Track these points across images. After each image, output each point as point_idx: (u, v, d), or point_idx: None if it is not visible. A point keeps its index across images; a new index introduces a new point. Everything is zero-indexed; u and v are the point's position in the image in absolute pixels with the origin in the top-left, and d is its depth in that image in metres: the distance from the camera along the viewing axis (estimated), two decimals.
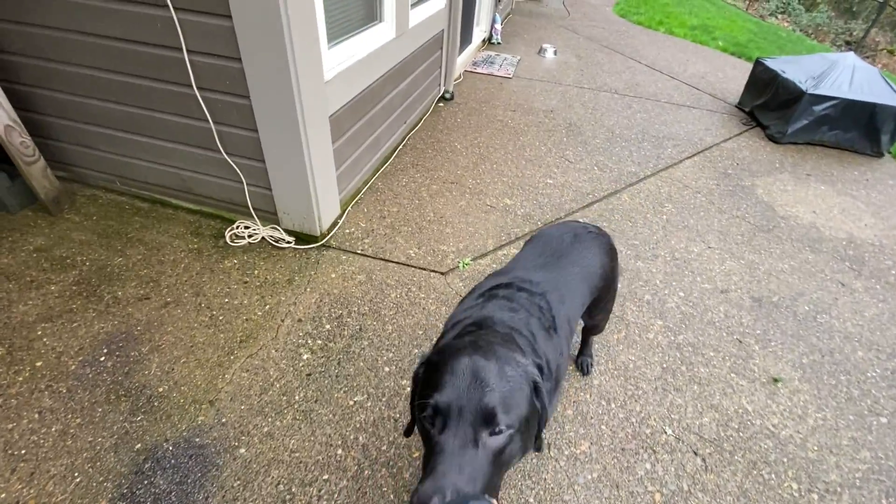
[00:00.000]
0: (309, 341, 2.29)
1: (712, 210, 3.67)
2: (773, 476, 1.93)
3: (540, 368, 1.15)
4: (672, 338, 2.51)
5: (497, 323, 1.27)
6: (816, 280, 3.07)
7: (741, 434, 2.08)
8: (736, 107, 5.72)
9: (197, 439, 1.84)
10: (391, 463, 1.84)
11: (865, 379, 2.42)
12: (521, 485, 1.82)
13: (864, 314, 2.84)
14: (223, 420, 1.92)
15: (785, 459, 1.99)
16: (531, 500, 1.77)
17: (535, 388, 1.00)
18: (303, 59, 2.24)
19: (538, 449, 1.09)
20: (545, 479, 1.84)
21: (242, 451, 1.82)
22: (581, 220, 2.08)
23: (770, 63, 5.20)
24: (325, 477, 1.77)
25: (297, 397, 2.04)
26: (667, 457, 1.95)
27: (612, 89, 5.84)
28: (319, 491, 1.73)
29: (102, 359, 2.11)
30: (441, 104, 4.93)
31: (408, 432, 1.23)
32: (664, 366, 2.35)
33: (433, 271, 2.78)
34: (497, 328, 1.25)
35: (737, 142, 4.87)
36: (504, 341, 1.12)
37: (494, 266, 2.86)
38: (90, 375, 2.03)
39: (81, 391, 1.97)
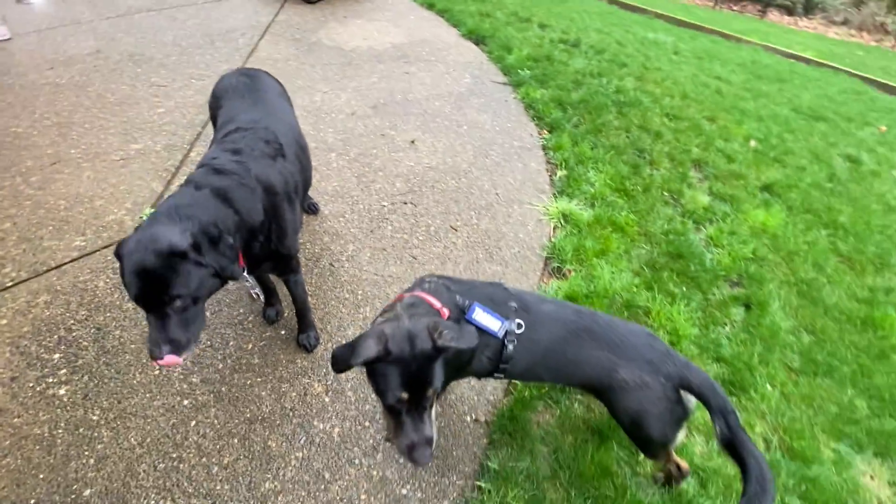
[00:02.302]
0: (51, 379, 1.90)
1: (305, 67, 4.32)
2: (445, 187, 3.03)
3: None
4: (346, 156, 3.22)
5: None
6: (393, 78, 4.27)
7: (418, 179, 3.08)
8: None
9: None
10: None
11: (446, 114, 3.79)
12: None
13: (425, 82, 4.24)
14: None
15: (444, 177, 3.12)
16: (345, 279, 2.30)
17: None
18: None
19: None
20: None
21: None
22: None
23: None
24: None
25: (94, 417, 1.79)
26: (396, 215, 2.77)
27: (144, 8, 5.32)
28: None
29: None
30: None
31: None
32: (356, 174, 3.06)
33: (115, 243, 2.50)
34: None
35: (285, 13, 5.48)
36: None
37: None
38: None
39: None
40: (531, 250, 2.70)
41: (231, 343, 2.09)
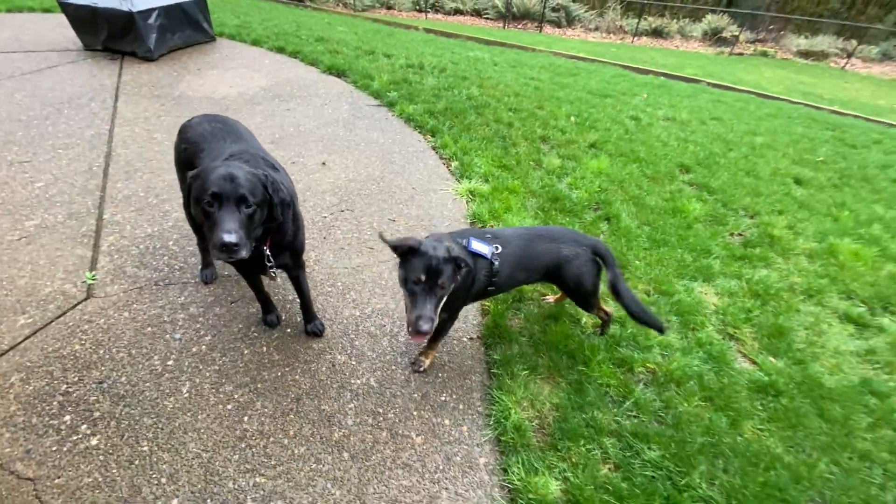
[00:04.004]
0: (74, 437, 1.90)
1: (181, 120, 4.36)
2: (370, 192, 3.54)
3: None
4: None
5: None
6: (277, 115, 4.60)
7: (343, 191, 3.53)
8: (87, 49, 5.83)
9: None
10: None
11: (341, 136, 4.29)
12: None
13: (309, 114, 4.66)
14: None
15: (365, 185, 3.63)
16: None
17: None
18: None
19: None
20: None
21: None
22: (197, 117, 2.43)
23: (77, 0, 5.42)
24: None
25: (144, 448, 1.88)
26: (339, 222, 3.19)
27: None
28: None
29: None
30: None
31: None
32: None
33: (73, 308, 2.45)
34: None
35: (129, 73, 5.31)
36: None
37: (147, 257, 2.77)
38: None
39: None
40: (458, 221, 3.39)
41: (246, 352, 2.31)
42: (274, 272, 2.01)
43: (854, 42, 16.41)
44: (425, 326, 1.69)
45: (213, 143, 2.15)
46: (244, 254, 1.61)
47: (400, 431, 2.04)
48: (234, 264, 2.07)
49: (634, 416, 2.16)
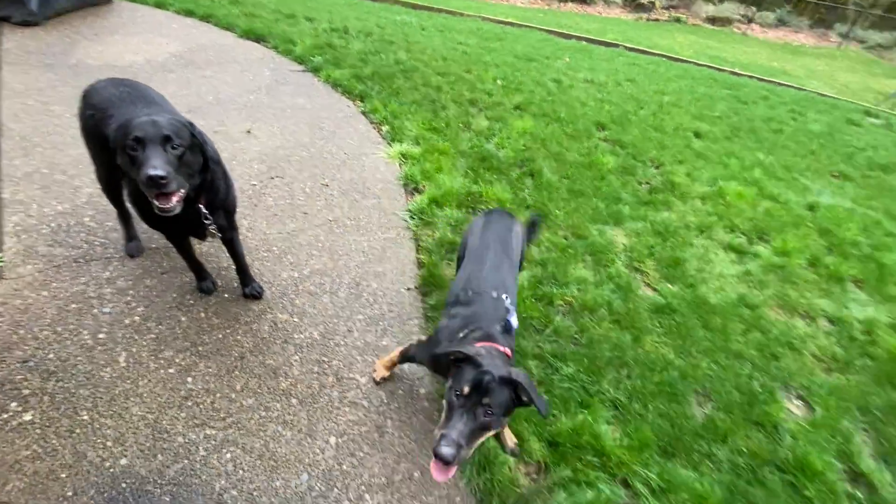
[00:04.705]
0: (4, 416, 1.86)
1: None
2: (300, 158, 3.52)
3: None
4: None
5: None
6: (193, 83, 4.35)
7: (271, 158, 3.49)
8: None
9: None
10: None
11: (265, 103, 4.17)
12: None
13: (228, 81, 4.46)
14: None
15: (295, 151, 3.60)
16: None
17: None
18: None
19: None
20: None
21: None
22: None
23: None
24: None
25: (84, 416, 1.89)
26: (270, 189, 3.17)
27: None
28: None
29: None
30: None
31: None
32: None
33: None
34: None
35: (11, 40, 4.72)
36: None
37: None
38: None
39: None
40: (391, 183, 3.49)
41: (183, 319, 2.32)
42: (213, 228, 2.01)
43: (754, 9, 17.88)
44: (446, 450, 1.26)
45: (122, 109, 2.06)
46: (174, 187, 1.62)
47: (345, 375, 2.19)
48: (167, 229, 2.06)
49: (554, 341, 2.45)
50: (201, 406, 1.98)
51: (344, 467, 1.86)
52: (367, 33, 6.36)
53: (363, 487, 1.81)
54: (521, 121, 4.60)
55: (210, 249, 2.69)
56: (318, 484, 1.80)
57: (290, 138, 3.79)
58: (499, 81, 5.58)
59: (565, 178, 3.85)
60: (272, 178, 3.32)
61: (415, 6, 10.25)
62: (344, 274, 2.70)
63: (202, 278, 2.43)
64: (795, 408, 2.40)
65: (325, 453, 1.89)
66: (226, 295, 2.48)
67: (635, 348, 2.48)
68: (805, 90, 8.63)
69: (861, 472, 2.14)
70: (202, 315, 2.35)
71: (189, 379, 2.07)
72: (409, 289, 2.68)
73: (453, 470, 1.37)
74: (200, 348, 2.20)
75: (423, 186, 3.44)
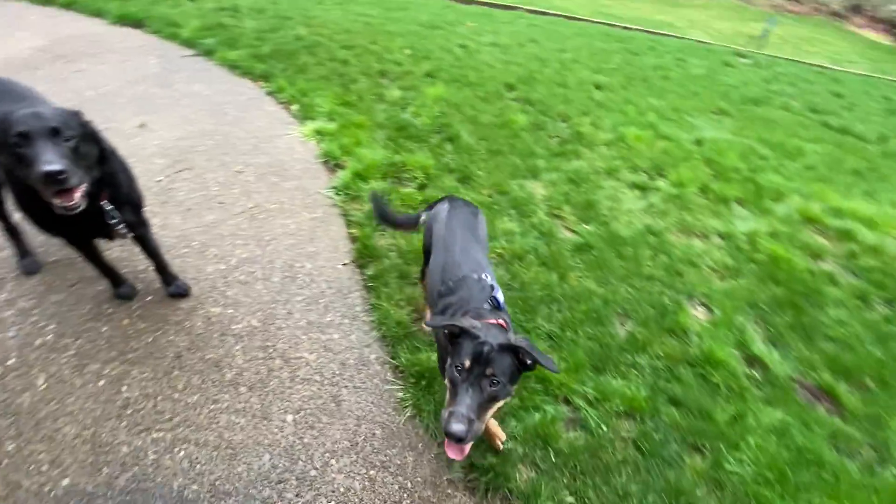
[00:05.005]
0: None
1: None
2: (206, 147, 3.31)
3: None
4: None
5: None
6: (68, 80, 3.88)
7: (175, 151, 3.25)
8: None
9: None
10: None
11: (156, 94, 3.83)
12: None
13: (107, 74, 4.02)
14: None
15: (200, 141, 3.37)
16: None
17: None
18: None
19: None
20: None
21: None
22: None
23: None
24: None
25: (10, 448, 1.74)
26: (179, 183, 2.97)
27: None
28: None
29: None
30: None
31: None
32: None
33: None
34: None
35: None
36: None
37: None
38: None
39: None
40: (310, 162, 3.41)
41: (105, 329, 2.17)
42: (122, 228, 1.88)
43: None
44: (456, 426, 1.24)
45: None
46: (75, 181, 1.51)
47: (293, 356, 2.19)
48: (69, 233, 1.89)
49: None
50: (142, 412, 1.90)
51: (305, 440, 1.90)
52: (258, 10, 5.96)
53: (327, 455, 1.86)
54: (434, 88, 4.64)
55: (122, 253, 2.50)
56: (282, 461, 1.82)
57: (192, 128, 3.54)
58: (406, 51, 5.53)
59: (483, 139, 3.99)
60: (179, 171, 3.11)
61: None
62: (275, 259, 2.65)
63: (118, 284, 2.28)
64: (699, 313, 2.78)
65: (283, 431, 1.91)
66: (149, 298, 2.34)
67: (562, 285, 2.71)
68: (686, 39, 9.44)
69: (755, 355, 2.55)
70: (125, 322, 2.21)
71: (123, 388, 1.96)
72: (345, 264, 2.69)
73: (468, 447, 1.36)
74: (130, 356, 2.08)
75: (345, 162, 3.40)
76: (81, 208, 1.56)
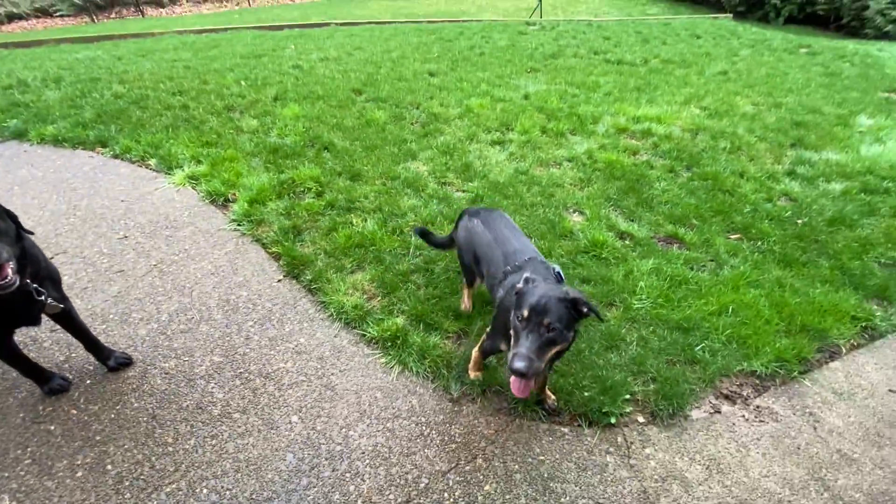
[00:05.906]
0: None
1: None
2: (68, 230, 3.01)
3: None
4: None
5: None
6: None
7: (39, 234, 2.90)
8: None
9: None
10: None
11: None
12: None
13: None
14: None
15: (57, 227, 3.04)
16: None
17: None
18: None
19: None
20: None
21: None
22: None
23: None
24: None
25: None
26: (69, 267, 2.70)
27: None
28: None
29: None
30: None
31: None
32: None
33: None
34: None
35: None
36: None
37: None
38: None
39: None
40: (195, 206, 3.33)
41: (53, 427, 1.99)
42: (52, 302, 1.77)
43: None
44: (518, 363, 1.43)
45: None
46: (5, 257, 1.46)
47: (270, 371, 2.27)
48: None
49: (418, 256, 2.96)
50: (142, 477, 1.84)
51: (318, 428, 2.03)
52: (54, 80, 5.31)
53: (344, 429, 2.03)
54: (288, 108, 4.75)
55: (32, 353, 2.25)
56: (305, 452, 1.94)
57: (41, 213, 3.17)
58: (242, 83, 5.48)
59: (355, 140, 4.27)
60: (50, 258, 2.80)
61: (85, 40, 8.73)
62: (206, 300, 2.62)
63: (46, 379, 2.08)
64: (576, 217, 3.49)
65: (294, 430, 2.02)
66: (88, 382, 2.18)
67: None
68: (483, 20, 10.78)
69: (623, 231, 3.32)
70: (74, 412, 2.05)
71: (108, 467, 1.87)
72: (279, 280, 2.78)
73: (531, 383, 1.56)
74: (98, 437, 1.96)
75: (234, 195, 3.40)
76: (17, 285, 1.50)
